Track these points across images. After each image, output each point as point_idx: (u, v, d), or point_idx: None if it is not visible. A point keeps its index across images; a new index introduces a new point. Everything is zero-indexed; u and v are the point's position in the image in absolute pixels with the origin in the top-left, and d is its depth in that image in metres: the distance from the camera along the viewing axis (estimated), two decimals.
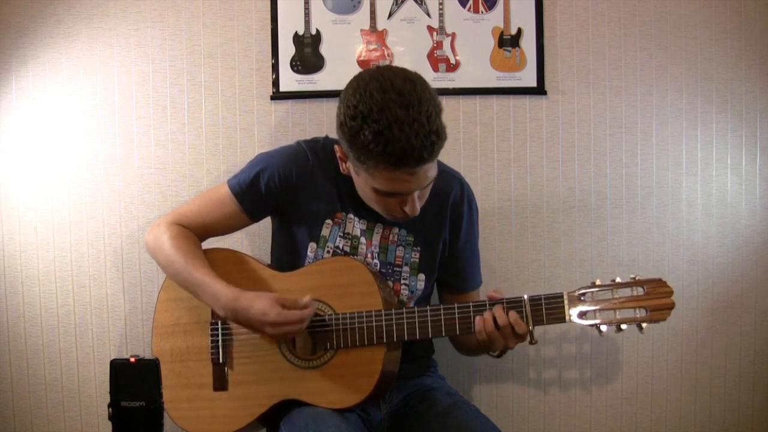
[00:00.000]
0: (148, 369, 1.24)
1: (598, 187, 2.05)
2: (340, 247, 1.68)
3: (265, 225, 1.86)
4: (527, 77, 2.02)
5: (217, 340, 1.66)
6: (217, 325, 1.66)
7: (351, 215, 1.69)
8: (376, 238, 1.69)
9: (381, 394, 1.62)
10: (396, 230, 1.70)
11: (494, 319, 1.53)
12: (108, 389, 1.23)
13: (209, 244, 1.74)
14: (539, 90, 2.02)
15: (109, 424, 1.23)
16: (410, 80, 1.46)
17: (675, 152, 2.05)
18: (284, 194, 1.68)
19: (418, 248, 1.71)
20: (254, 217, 1.73)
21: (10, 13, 1.98)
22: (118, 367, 1.24)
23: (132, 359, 1.24)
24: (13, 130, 2.01)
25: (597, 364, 2.07)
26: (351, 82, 1.50)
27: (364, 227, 1.69)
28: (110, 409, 1.23)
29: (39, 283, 2.03)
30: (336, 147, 1.59)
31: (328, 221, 1.69)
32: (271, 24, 2.00)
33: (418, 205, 1.56)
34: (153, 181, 2.02)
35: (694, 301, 2.06)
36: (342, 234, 1.68)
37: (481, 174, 2.03)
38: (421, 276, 1.72)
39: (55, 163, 2.02)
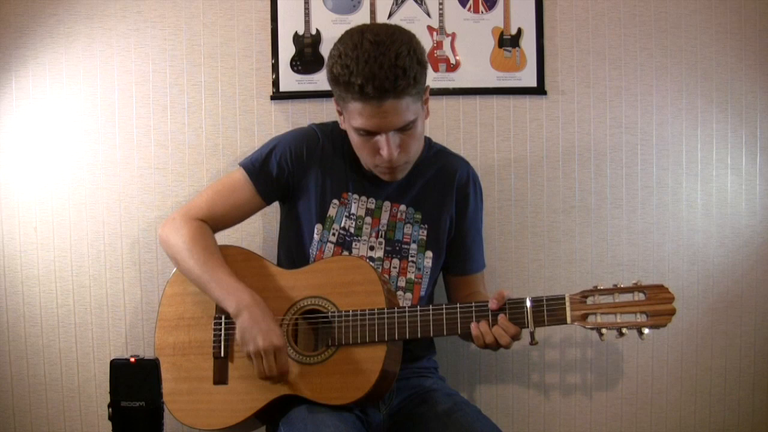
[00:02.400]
0: (147, 369, 1.24)
1: (598, 187, 2.05)
2: (345, 227, 1.70)
3: (273, 224, 1.86)
4: (527, 77, 2.02)
5: (220, 334, 1.66)
6: (221, 319, 1.66)
7: (357, 195, 1.72)
8: (384, 217, 1.72)
9: (381, 393, 1.62)
10: (403, 208, 1.73)
11: (488, 326, 1.54)
12: (108, 389, 1.23)
13: (218, 239, 1.75)
14: (539, 90, 2.02)
15: (109, 424, 1.23)
16: (392, 27, 1.58)
17: (675, 152, 2.05)
18: (296, 172, 1.72)
19: (426, 225, 1.74)
20: (267, 198, 1.75)
21: (10, 12, 1.98)
22: (118, 367, 1.24)
23: (132, 359, 1.24)
24: (13, 130, 2.01)
25: (597, 365, 2.07)
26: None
27: (373, 206, 1.72)
28: (110, 409, 1.23)
29: (39, 283, 2.03)
30: (334, 101, 1.65)
31: (335, 201, 1.72)
32: (271, 24, 2.00)
33: (395, 151, 1.58)
34: (153, 182, 2.02)
35: (694, 301, 2.06)
36: (348, 214, 1.71)
37: (481, 174, 2.02)
38: (429, 253, 1.74)
39: (55, 163, 2.02)
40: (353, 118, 1.57)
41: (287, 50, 2.00)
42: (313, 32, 2.00)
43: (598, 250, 2.05)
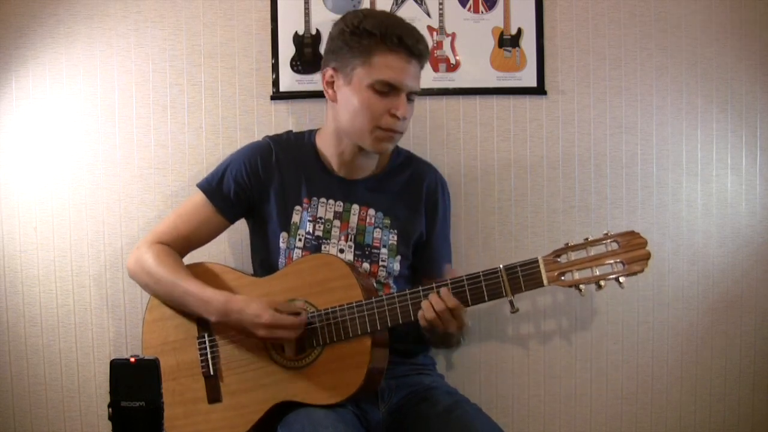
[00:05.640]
0: (147, 369, 1.24)
1: (598, 187, 2.05)
2: (311, 232, 1.70)
3: (239, 239, 1.86)
4: (527, 77, 2.02)
5: (206, 354, 1.66)
6: (204, 338, 1.67)
7: (323, 199, 1.72)
8: (353, 220, 1.73)
9: (373, 385, 1.62)
10: (372, 212, 1.73)
11: (432, 306, 1.53)
12: (108, 389, 1.23)
13: (191, 257, 1.76)
14: (539, 90, 2.02)
15: (109, 424, 1.23)
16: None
17: (675, 152, 2.05)
18: (254, 186, 1.73)
19: (395, 231, 1.74)
20: (228, 216, 1.76)
21: (10, 13, 1.98)
22: (117, 367, 1.23)
23: (132, 359, 1.24)
24: (13, 130, 2.01)
25: (597, 364, 2.07)
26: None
27: (341, 209, 1.72)
28: (110, 409, 1.23)
29: (39, 283, 2.03)
30: (323, 72, 1.68)
31: (297, 207, 1.72)
32: (271, 24, 2.00)
33: (407, 112, 1.64)
34: (153, 182, 2.02)
35: (694, 301, 2.06)
36: (311, 219, 1.70)
37: (481, 174, 2.03)
38: (398, 257, 1.74)
39: (55, 163, 2.02)
40: (377, 71, 1.60)
41: (287, 50, 2.00)
42: (313, 32, 2.00)
43: None
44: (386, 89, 1.60)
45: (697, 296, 2.06)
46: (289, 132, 1.82)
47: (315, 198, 1.72)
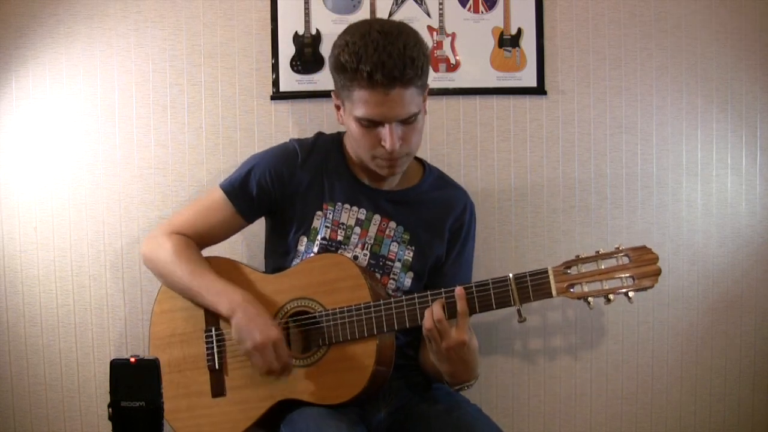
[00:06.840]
0: (147, 369, 1.24)
1: (598, 187, 2.05)
2: (328, 237, 1.69)
3: (261, 230, 1.86)
4: (527, 77, 2.02)
5: (212, 347, 1.66)
6: (212, 332, 1.67)
7: (348, 205, 1.70)
8: (372, 230, 1.71)
9: (377, 387, 1.61)
10: (393, 225, 1.72)
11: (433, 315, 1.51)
12: (108, 389, 1.23)
13: (206, 251, 1.76)
14: (539, 90, 2.02)
15: (109, 424, 1.23)
16: (397, 21, 1.62)
17: (675, 152, 2.05)
18: (276, 191, 1.71)
19: (412, 248, 1.72)
20: (248, 217, 1.74)
21: (10, 13, 1.98)
22: (117, 367, 1.23)
23: (132, 359, 1.24)
24: (13, 130, 2.01)
25: (597, 365, 2.07)
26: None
27: (363, 217, 1.71)
28: (110, 409, 1.23)
29: (39, 283, 2.03)
30: (332, 95, 1.65)
31: (319, 213, 1.71)
32: (271, 24, 2.00)
33: (398, 143, 1.56)
34: (153, 182, 2.02)
35: (694, 301, 2.06)
36: (329, 225, 1.69)
37: (481, 174, 2.03)
38: (410, 274, 1.73)
39: (55, 163, 2.02)
40: (357, 108, 1.55)
41: (287, 50, 2.00)
42: (313, 32, 2.00)
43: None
44: (370, 123, 1.57)
45: (697, 296, 2.06)
46: (318, 134, 1.78)
47: (339, 204, 1.70)
